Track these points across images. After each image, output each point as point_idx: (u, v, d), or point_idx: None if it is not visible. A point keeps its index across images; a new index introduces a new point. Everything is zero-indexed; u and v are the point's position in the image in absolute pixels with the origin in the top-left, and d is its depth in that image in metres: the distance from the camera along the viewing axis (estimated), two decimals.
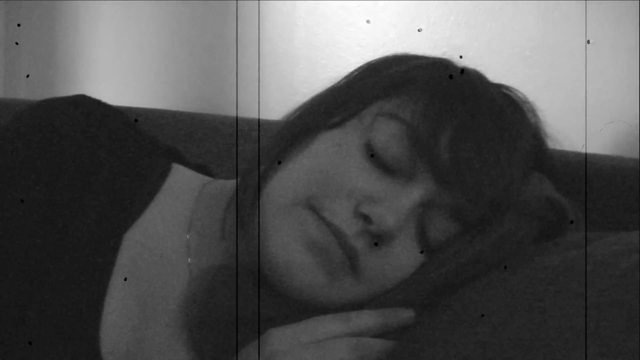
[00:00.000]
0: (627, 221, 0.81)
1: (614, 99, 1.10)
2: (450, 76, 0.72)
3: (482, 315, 0.63)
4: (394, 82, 0.73)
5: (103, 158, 0.74)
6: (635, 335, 0.56)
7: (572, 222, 0.72)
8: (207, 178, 0.82)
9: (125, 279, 0.73)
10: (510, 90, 0.76)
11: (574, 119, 1.07)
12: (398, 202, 0.68)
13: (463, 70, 0.73)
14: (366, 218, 0.67)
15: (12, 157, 0.72)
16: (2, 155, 0.72)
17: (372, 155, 0.69)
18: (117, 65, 1.75)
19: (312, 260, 0.68)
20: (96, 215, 0.73)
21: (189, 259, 0.76)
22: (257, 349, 0.66)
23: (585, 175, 0.84)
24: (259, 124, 1.00)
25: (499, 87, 0.76)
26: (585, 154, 0.88)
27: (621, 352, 0.56)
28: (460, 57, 0.75)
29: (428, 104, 0.70)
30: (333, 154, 0.70)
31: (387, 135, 0.70)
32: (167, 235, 0.76)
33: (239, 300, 0.69)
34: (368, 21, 1.30)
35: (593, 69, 1.09)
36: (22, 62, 1.89)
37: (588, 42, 1.09)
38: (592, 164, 0.86)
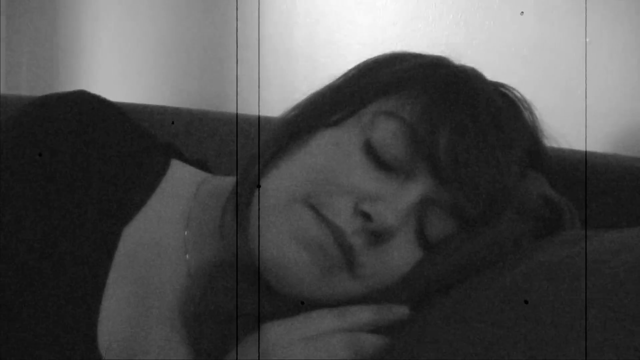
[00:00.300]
0: (626, 220, 0.82)
1: (613, 97, 1.11)
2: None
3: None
4: (393, 81, 0.73)
5: (102, 153, 0.74)
6: (626, 332, 0.56)
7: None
8: (205, 174, 0.82)
9: None
10: (508, 89, 0.76)
11: (573, 117, 1.07)
12: (398, 200, 0.68)
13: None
14: (366, 216, 0.67)
15: (12, 153, 0.72)
16: (2, 150, 0.72)
17: (371, 154, 0.70)
18: (117, 62, 1.76)
19: (307, 256, 0.68)
20: (94, 210, 0.73)
21: (186, 255, 0.76)
22: (252, 343, 0.67)
23: (585, 174, 0.84)
24: (259, 122, 1.00)
25: (497, 85, 0.76)
26: (585, 152, 0.88)
27: (615, 347, 0.56)
28: None
29: (427, 103, 0.70)
30: (332, 152, 0.70)
31: (387, 133, 0.70)
32: (165, 231, 0.76)
33: (237, 295, 0.70)
34: None
35: (592, 67, 1.09)
36: (23, 58, 1.90)
37: (587, 41, 1.09)
38: (591, 162, 0.86)
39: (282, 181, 0.70)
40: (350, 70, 0.78)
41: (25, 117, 0.74)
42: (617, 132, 1.10)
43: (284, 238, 0.68)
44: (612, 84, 1.10)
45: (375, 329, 0.68)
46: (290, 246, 0.68)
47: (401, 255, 0.69)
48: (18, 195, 0.71)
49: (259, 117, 1.05)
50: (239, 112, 1.15)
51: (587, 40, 1.09)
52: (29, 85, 1.88)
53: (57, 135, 0.73)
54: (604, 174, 0.85)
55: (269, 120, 0.96)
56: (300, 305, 0.69)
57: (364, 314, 0.68)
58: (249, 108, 1.27)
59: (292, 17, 1.43)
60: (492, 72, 0.77)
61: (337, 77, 0.78)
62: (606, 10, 1.10)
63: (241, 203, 0.72)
